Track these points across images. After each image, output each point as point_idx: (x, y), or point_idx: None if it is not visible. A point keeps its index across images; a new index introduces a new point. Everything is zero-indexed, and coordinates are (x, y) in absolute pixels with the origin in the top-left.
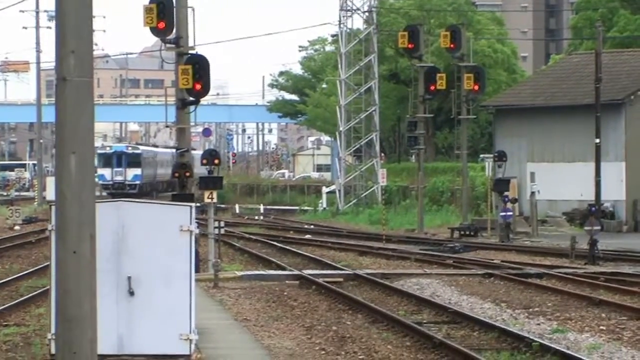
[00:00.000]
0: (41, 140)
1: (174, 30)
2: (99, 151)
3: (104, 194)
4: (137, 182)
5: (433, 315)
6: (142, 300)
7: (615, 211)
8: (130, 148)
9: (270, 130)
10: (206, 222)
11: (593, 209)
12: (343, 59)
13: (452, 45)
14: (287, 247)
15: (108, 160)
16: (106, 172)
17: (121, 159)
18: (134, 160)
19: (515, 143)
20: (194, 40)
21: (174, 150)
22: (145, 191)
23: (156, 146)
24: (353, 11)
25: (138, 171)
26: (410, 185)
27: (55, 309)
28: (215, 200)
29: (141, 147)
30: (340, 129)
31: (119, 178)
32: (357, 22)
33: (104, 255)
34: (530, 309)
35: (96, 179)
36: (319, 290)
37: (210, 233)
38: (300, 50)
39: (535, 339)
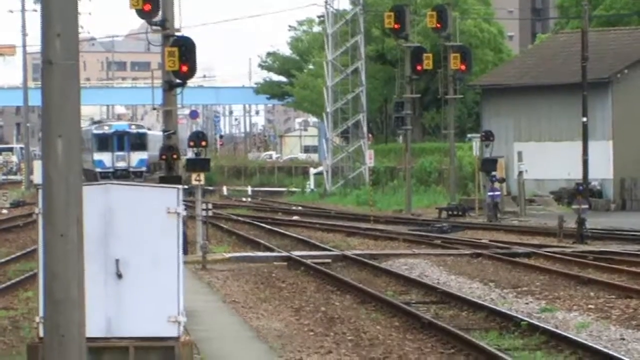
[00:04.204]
0: (28, 124)
1: (160, 12)
2: (94, 131)
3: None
4: (143, 168)
5: (421, 296)
6: (130, 282)
7: (603, 190)
8: (133, 127)
9: (257, 112)
10: (194, 204)
11: (581, 187)
12: (329, 40)
13: (438, 25)
14: (275, 229)
15: (107, 142)
16: (105, 158)
17: (123, 141)
18: (139, 142)
19: (503, 122)
20: (180, 22)
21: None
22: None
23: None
24: None
25: (144, 155)
26: (397, 166)
27: (43, 292)
28: (202, 182)
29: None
30: (328, 110)
31: (121, 164)
32: (344, 3)
33: (92, 238)
34: (519, 289)
35: (92, 166)
36: (307, 272)
37: (198, 215)
38: (289, 30)
39: (524, 318)
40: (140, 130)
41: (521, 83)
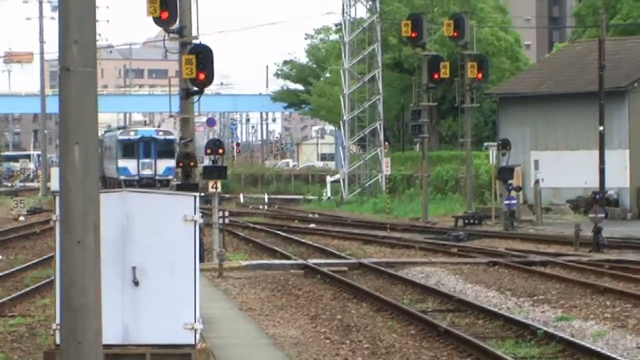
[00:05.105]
0: (45, 131)
1: (178, 20)
2: (119, 137)
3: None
4: (170, 176)
5: (438, 304)
6: (146, 290)
7: (620, 198)
8: (161, 133)
9: (274, 120)
10: (210, 212)
11: (597, 196)
12: (346, 48)
13: (455, 34)
14: (292, 237)
15: (132, 148)
16: (130, 165)
17: (149, 148)
18: (167, 149)
19: (519, 131)
20: (198, 30)
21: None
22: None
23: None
24: (356, 0)
25: (171, 163)
26: (414, 174)
27: (60, 299)
28: (219, 189)
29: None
30: (344, 118)
31: (147, 172)
32: (361, 11)
33: (109, 246)
34: (535, 297)
35: (117, 173)
36: (324, 279)
37: (214, 223)
38: (306, 38)
39: (540, 327)
40: (168, 137)
41: (538, 92)
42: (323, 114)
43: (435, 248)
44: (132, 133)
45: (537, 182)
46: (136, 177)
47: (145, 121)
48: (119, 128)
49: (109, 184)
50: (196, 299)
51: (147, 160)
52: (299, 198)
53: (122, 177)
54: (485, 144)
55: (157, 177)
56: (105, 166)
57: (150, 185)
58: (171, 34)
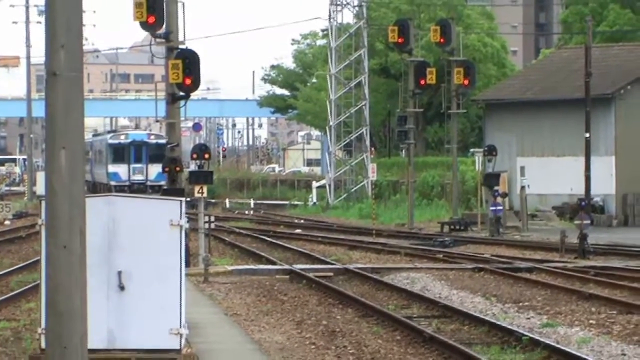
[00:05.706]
0: (31, 135)
1: (164, 25)
2: (109, 141)
3: None
4: (162, 182)
5: (423, 310)
6: (132, 294)
7: (605, 205)
8: (152, 137)
9: (260, 125)
10: (196, 217)
11: (583, 203)
12: (333, 54)
13: (442, 40)
14: (277, 242)
15: (123, 153)
16: (121, 170)
17: (141, 152)
18: (159, 154)
19: (505, 137)
20: (184, 35)
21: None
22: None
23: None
24: (343, 5)
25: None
26: (400, 180)
27: (46, 303)
28: (205, 194)
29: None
30: (331, 123)
31: (138, 177)
32: (347, 17)
33: (95, 250)
34: (520, 303)
35: (107, 179)
36: (309, 285)
37: (200, 228)
38: (292, 44)
39: (525, 333)
40: (160, 141)
41: (524, 98)
42: (309, 119)
43: (421, 254)
44: (122, 137)
45: (523, 188)
46: (127, 183)
47: (136, 124)
48: (109, 132)
49: (99, 189)
50: (182, 303)
51: (138, 165)
52: (284, 203)
53: (113, 183)
54: (472, 150)
55: (148, 183)
56: (95, 171)
57: (141, 191)
58: (158, 38)
